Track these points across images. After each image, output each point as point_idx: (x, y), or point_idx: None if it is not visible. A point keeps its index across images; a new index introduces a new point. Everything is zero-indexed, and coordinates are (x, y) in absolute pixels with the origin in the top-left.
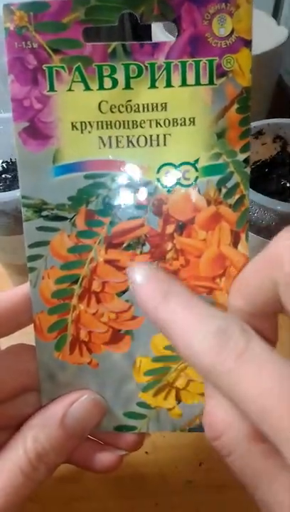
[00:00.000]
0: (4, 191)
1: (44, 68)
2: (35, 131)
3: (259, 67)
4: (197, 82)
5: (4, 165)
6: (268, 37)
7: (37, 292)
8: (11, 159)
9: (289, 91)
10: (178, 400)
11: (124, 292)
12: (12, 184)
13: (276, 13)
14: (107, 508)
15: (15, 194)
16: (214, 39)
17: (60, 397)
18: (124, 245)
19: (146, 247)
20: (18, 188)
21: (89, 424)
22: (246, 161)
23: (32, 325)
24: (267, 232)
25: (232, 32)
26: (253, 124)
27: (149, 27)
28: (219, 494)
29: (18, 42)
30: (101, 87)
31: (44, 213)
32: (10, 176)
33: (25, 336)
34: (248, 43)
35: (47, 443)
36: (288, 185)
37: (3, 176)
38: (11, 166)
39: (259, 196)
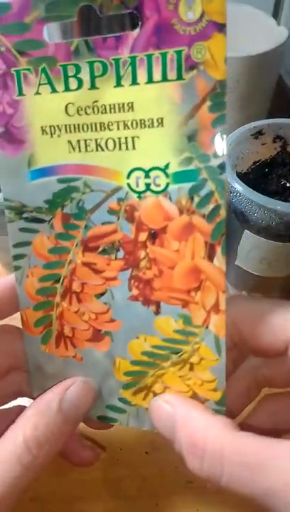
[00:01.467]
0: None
1: (12, 72)
2: (10, 136)
3: (259, 67)
4: (165, 78)
5: None
6: (268, 37)
7: (22, 289)
8: None
9: (289, 91)
10: None
11: (102, 295)
12: None
13: (276, 13)
14: (107, 508)
15: None
16: (181, 25)
17: (52, 386)
18: (100, 249)
19: (121, 253)
20: None
21: (85, 407)
22: (221, 166)
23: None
24: (267, 232)
25: (202, 15)
26: (253, 124)
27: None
28: (219, 495)
29: None
30: (67, 89)
31: (24, 215)
32: None
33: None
34: (222, 27)
35: (47, 430)
36: (288, 185)
37: None
38: None
39: (259, 196)
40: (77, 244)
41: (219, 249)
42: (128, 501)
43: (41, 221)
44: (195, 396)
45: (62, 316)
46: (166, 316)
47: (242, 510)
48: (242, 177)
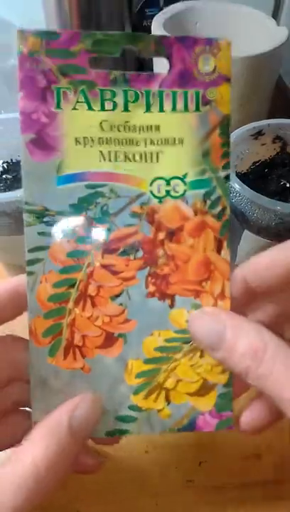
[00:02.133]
0: (5, 191)
1: (52, 88)
2: (42, 142)
3: (259, 68)
4: (186, 109)
5: (5, 165)
6: (268, 37)
7: (34, 296)
8: (11, 160)
9: (289, 91)
10: (168, 401)
11: (117, 296)
12: (12, 185)
13: (275, 14)
14: (107, 508)
15: (16, 194)
16: (199, 75)
17: (56, 402)
18: (120, 251)
19: (140, 253)
20: (18, 188)
21: (94, 424)
22: (227, 177)
23: (13, 321)
24: (267, 232)
25: (214, 69)
26: (253, 125)
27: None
28: (219, 494)
29: (29, 63)
30: (102, 109)
31: (45, 219)
32: (10, 177)
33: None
34: (228, 79)
35: (58, 449)
36: (287, 185)
37: (4, 176)
38: (12, 167)
39: (259, 196)
40: (97, 247)
41: (225, 243)
42: (128, 501)
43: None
44: (205, 383)
45: (73, 323)
46: (180, 308)
47: (241, 510)
48: (242, 177)
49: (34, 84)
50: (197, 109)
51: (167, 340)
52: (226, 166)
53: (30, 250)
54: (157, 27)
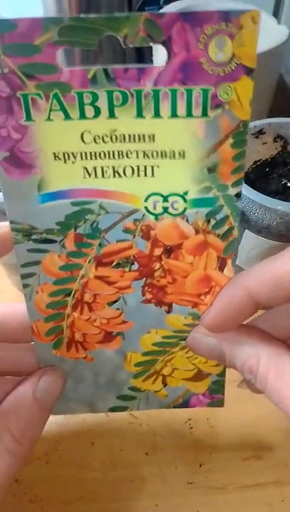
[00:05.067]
0: None
1: (18, 96)
2: (17, 160)
3: (260, 67)
4: (189, 114)
5: None
6: (268, 36)
7: (32, 305)
8: None
9: None
10: (164, 384)
11: (114, 302)
12: None
13: (276, 12)
14: (107, 509)
15: None
16: (210, 65)
17: (26, 377)
18: (114, 264)
19: (135, 266)
20: None
21: (57, 393)
22: (237, 195)
23: None
24: (267, 231)
25: (232, 57)
26: (253, 124)
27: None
28: (220, 495)
29: None
30: (82, 116)
31: (34, 237)
32: None
33: None
34: (250, 72)
35: (27, 418)
36: (288, 184)
37: None
38: None
39: (260, 196)
40: (89, 261)
41: (229, 262)
42: (128, 502)
43: (52, 241)
44: (199, 372)
45: (72, 324)
46: (177, 314)
47: (242, 511)
48: None
49: None
50: (205, 114)
51: (164, 337)
52: (237, 183)
53: (23, 265)
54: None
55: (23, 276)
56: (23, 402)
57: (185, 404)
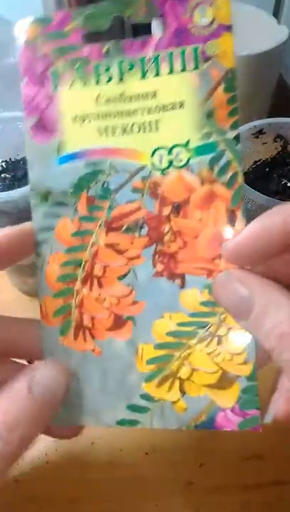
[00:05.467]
0: (4, 191)
1: (49, 72)
2: (43, 125)
3: (260, 67)
4: (184, 69)
5: (4, 164)
6: (268, 36)
7: (43, 276)
8: (10, 159)
9: None
10: (183, 392)
11: (124, 276)
12: (12, 184)
13: (276, 12)
14: (107, 509)
15: (15, 194)
16: (197, 29)
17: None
18: (123, 228)
19: (144, 230)
20: (17, 187)
21: (59, 388)
22: (236, 138)
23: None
24: None
25: (213, 20)
26: (254, 124)
27: (148, 24)
28: (220, 496)
29: (29, 51)
30: (97, 83)
31: (50, 200)
32: (9, 176)
33: None
34: (229, 28)
35: (18, 414)
36: (288, 184)
37: (3, 175)
38: (11, 166)
39: (260, 196)
40: (100, 225)
41: (239, 214)
42: (128, 502)
43: (65, 205)
44: (224, 374)
45: (82, 304)
46: (192, 288)
47: (242, 511)
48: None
49: (33, 71)
50: (197, 67)
51: (180, 324)
52: (234, 126)
53: (38, 231)
54: (157, 23)
55: (37, 244)
56: (15, 397)
57: (210, 423)
